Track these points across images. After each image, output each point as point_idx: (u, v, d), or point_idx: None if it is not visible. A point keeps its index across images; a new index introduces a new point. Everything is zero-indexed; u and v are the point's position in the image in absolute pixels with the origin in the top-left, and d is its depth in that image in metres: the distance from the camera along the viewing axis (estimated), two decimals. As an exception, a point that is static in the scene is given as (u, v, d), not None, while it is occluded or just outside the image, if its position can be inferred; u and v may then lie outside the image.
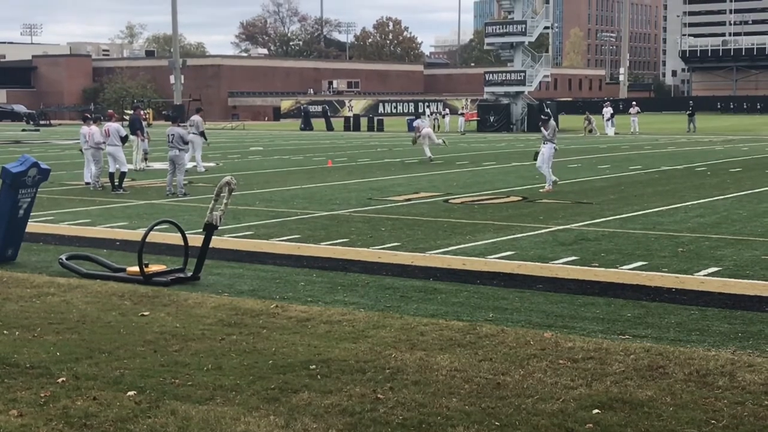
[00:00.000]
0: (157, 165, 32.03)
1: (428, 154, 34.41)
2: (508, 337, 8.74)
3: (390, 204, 20.41)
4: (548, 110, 24.99)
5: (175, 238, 13.44)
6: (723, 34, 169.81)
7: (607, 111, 60.81)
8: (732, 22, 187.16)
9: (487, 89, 70.32)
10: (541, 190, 22.78)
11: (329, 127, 76.12)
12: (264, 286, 11.52)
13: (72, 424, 6.49)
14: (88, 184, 25.18)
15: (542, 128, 23.44)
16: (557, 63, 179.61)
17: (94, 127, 24.66)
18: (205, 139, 31.04)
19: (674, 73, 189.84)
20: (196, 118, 31.15)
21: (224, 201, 12.08)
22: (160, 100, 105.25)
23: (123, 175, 23.96)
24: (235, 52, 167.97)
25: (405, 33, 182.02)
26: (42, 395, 7.07)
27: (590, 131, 59.26)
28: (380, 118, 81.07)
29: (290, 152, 42.23)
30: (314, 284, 11.60)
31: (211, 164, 33.19)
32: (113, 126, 24.27)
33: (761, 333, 9.01)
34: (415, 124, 37.06)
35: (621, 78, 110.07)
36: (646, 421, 6.50)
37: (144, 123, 32.67)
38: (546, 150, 23.14)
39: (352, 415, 6.63)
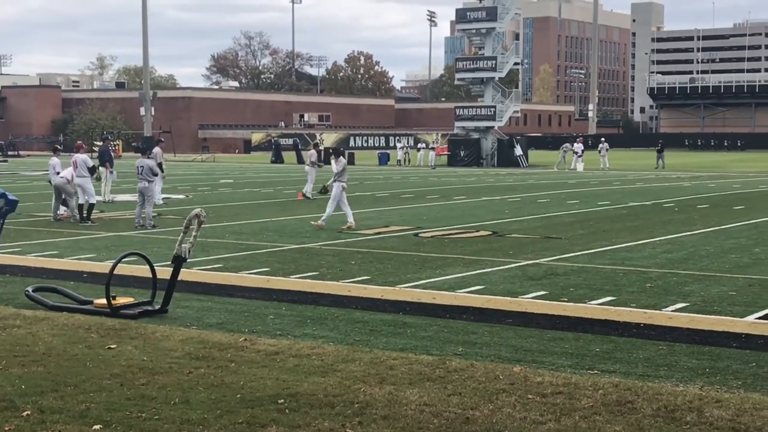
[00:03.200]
0: (125, 197, 31.88)
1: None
2: (477, 371, 8.73)
3: (360, 237, 20.40)
4: (341, 149, 23.88)
5: (143, 271, 13.35)
6: (690, 72, 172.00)
7: (578, 147, 61.41)
8: (699, 60, 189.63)
9: (457, 124, 70.74)
10: (312, 222, 22.44)
11: (300, 160, 76.13)
12: (233, 319, 11.45)
13: (36, 458, 6.40)
14: (58, 220, 24.94)
15: (333, 163, 22.69)
16: (527, 99, 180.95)
17: (79, 155, 24.39)
18: (162, 171, 30.82)
19: (642, 110, 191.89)
20: (156, 149, 31.11)
21: (193, 233, 12.02)
22: (129, 131, 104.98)
23: (91, 206, 23.81)
24: (206, 84, 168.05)
25: (376, 67, 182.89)
26: (6, 429, 6.97)
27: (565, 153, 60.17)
28: (351, 151, 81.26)
29: (260, 185, 42.19)
30: (283, 317, 11.55)
31: (181, 196, 33.07)
32: (81, 157, 24.14)
33: (728, 368, 9.05)
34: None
35: (590, 114, 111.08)
36: (615, 457, 6.49)
37: (113, 154, 32.54)
38: (335, 188, 22.59)
39: (321, 449, 6.59)
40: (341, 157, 23.20)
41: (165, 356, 9.32)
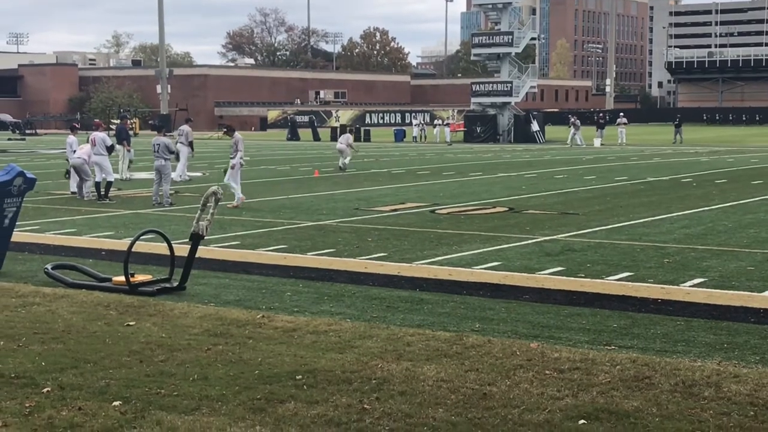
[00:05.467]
0: (142, 175, 31.98)
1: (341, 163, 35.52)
2: (494, 347, 8.74)
3: (377, 214, 20.41)
4: (231, 125, 24.69)
5: (161, 248, 13.40)
6: (709, 46, 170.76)
7: (577, 121, 62.54)
8: (718, 34, 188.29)
9: (473, 100, 70.47)
10: (228, 206, 21.89)
11: (316, 138, 76.16)
12: (250, 296, 11.50)
13: (57, 434, 6.46)
14: (74, 193, 25.11)
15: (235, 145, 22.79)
16: (544, 74, 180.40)
17: (98, 133, 24.45)
18: (192, 149, 31.08)
19: (660, 85, 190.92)
20: (185, 128, 31.20)
21: (211, 211, 12.05)
22: (146, 109, 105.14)
23: (109, 184, 23.89)
24: (221, 62, 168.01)
25: (392, 43, 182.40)
26: (27, 405, 7.03)
27: (576, 130, 59.88)
28: (367, 128, 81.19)
29: (277, 162, 42.22)
30: (300, 294, 11.58)
31: (197, 174, 33.13)
32: (99, 135, 24.22)
33: (746, 344, 9.03)
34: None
35: (607, 89, 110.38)
36: (632, 432, 6.50)
37: (130, 132, 32.61)
38: (234, 162, 22.52)
39: (339, 425, 6.62)
40: (236, 133, 23.33)
41: (183, 333, 9.37)
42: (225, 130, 24.35)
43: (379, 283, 12.30)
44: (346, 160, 35.48)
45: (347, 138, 36.51)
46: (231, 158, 22.81)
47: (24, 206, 14.52)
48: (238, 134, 23.11)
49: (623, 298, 11.22)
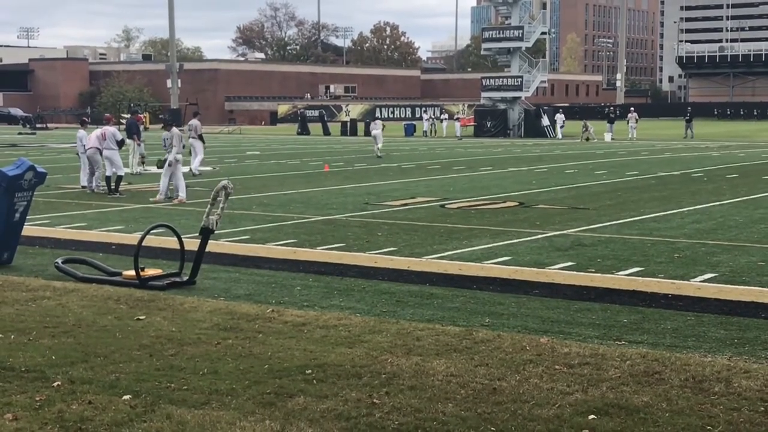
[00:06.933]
0: (152, 169, 32.02)
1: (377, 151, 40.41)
2: (504, 342, 8.73)
3: (386, 209, 20.40)
4: (170, 118, 25.36)
5: (171, 242, 13.42)
6: (720, 41, 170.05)
7: (560, 117, 63.52)
8: (729, 29, 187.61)
9: (484, 94, 70.42)
10: (151, 199, 22.23)
11: (326, 132, 76.18)
12: (260, 290, 11.50)
13: (67, 428, 6.47)
14: (84, 187, 25.16)
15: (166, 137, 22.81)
16: (554, 68, 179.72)
17: (109, 128, 24.50)
18: (203, 142, 31.12)
19: (671, 79, 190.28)
20: (194, 122, 31.22)
21: (221, 205, 12.06)
22: (156, 104, 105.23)
23: (119, 178, 23.93)
24: (232, 56, 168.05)
25: (402, 38, 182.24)
26: (37, 399, 7.05)
27: (587, 139, 59.43)
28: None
29: (287, 156, 42.24)
30: (310, 289, 11.59)
31: (208, 168, 33.15)
32: (110, 129, 24.25)
33: (757, 339, 9.01)
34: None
35: (618, 84, 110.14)
36: (642, 427, 6.49)
37: (141, 127, 32.61)
38: (170, 158, 22.51)
39: (348, 419, 6.62)
40: (174, 127, 23.34)
41: (193, 327, 9.38)
42: (163, 124, 24.37)
43: (389, 277, 12.30)
44: (378, 147, 40.45)
45: (380, 125, 43.24)
46: (168, 153, 22.78)
47: (34, 200, 14.55)
48: (175, 129, 23.14)
49: (633, 293, 11.19)
